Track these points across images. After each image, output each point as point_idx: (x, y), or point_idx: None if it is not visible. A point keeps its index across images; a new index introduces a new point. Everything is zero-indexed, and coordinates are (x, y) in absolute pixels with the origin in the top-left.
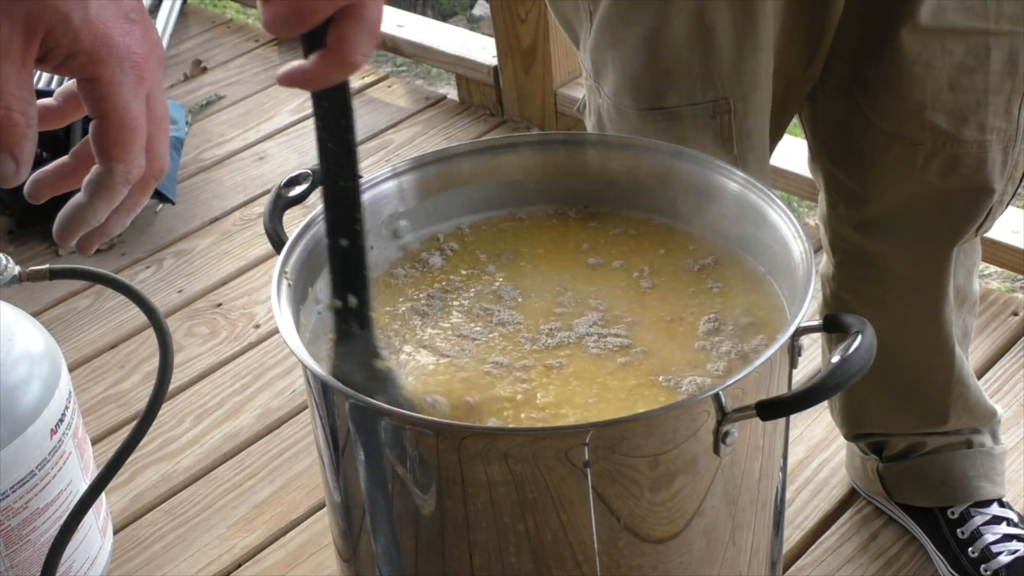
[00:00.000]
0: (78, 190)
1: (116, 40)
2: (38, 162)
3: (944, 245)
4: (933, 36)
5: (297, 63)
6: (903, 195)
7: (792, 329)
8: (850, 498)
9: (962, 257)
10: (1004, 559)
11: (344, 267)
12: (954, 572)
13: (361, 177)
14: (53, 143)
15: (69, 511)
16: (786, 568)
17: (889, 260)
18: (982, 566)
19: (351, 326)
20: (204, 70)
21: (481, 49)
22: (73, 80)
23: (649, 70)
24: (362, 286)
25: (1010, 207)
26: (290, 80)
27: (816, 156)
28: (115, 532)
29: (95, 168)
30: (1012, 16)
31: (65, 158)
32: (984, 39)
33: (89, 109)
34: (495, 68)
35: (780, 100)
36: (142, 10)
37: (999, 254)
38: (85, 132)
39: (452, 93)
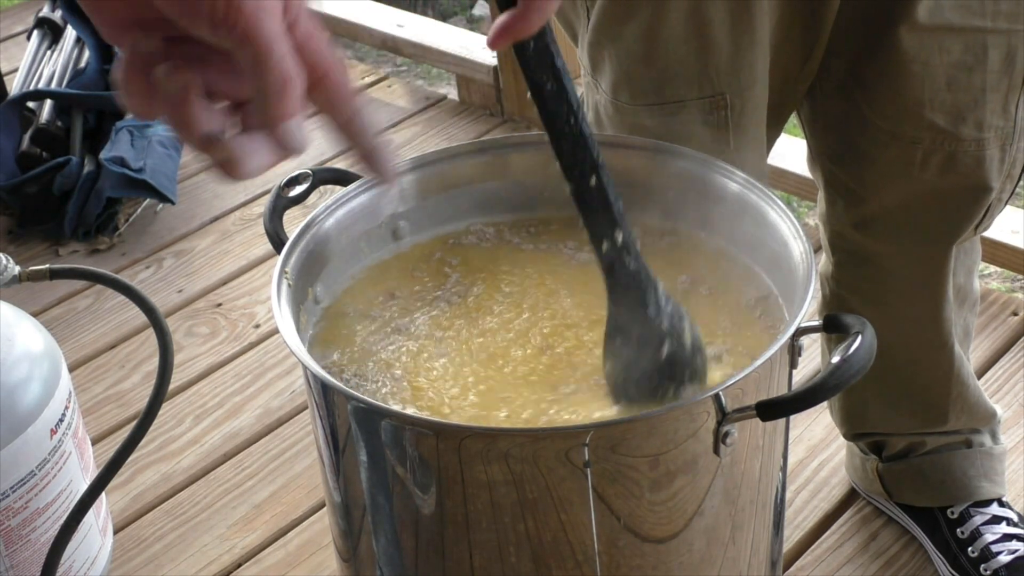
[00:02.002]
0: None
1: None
2: (37, 160)
3: (943, 243)
4: (931, 34)
5: (498, 22)
6: (902, 193)
7: (792, 329)
8: (850, 498)
9: (962, 256)
10: (1004, 559)
11: (596, 207)
12: (954, 572)
13: (581, 111)
14: (52, 143)
15: (69, 511)
16: (786, 568)
17: (888, 259)
18: (982, 566)
19: (626, 262)
20: None
21: (481, 49)
22: None
23: (646, 65)
24: (620, 220)
25: (1009, 207)
26: (500, 37)
27: (815, 155)
28: (115, 532)
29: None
30: (1009, 14)
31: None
32: (981, 37)
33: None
34: (495, 68)
35: (777, 97)
36: None
37: (999, 254)
38: (85, 131)
39: (452, 93)
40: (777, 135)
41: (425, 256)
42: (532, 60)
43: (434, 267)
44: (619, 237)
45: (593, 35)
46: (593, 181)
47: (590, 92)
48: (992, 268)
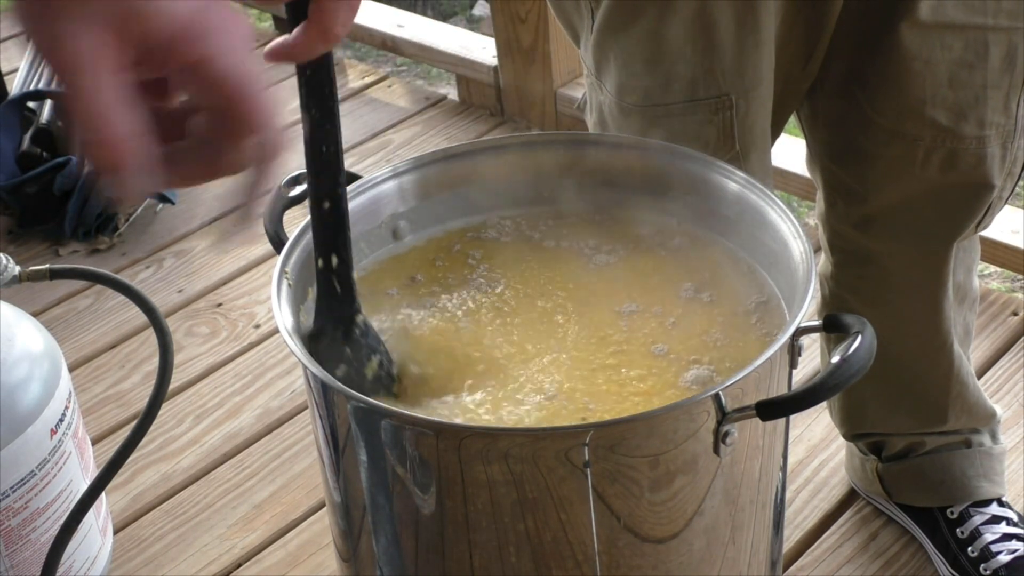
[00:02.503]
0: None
1: (210, 14)
2: (37, 160)
3: (944, 241)
4: (933, 32)
5: (281, 38)
6: (903, 192)
7: (792, 329)
8: (850, 498)
9: (961, 254)
10: (1004, 558)
11: (326, 228)
12: (954, 572)
13: (340, 144)
14: (52, 143)
15: (69, 511)
16: (786, 568)
17: (888, 258)
18: (982, 565)
19: (334, 285)
20: None
21: (481, 49)
22: None
23: (651, 67)
24: (344, 247)
25: (1009, 207)
26: (276, 55)
27: (814, 155)
28: (115, 532)
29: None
30: (1010, 11)
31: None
32: (982, 34)
33: (205, 98)
34: (495, 68)
35: (778, 97)
36: None
37: (999, 254)
38: None
39: (452, 93)
40: (777, 136)
41: (425, 256)
42: (307, 85)
43: (434, 267)
44: (334, 261)
45: (598, 36)
46: (327, 206)
47: (594, 93)
48: (992, 268)
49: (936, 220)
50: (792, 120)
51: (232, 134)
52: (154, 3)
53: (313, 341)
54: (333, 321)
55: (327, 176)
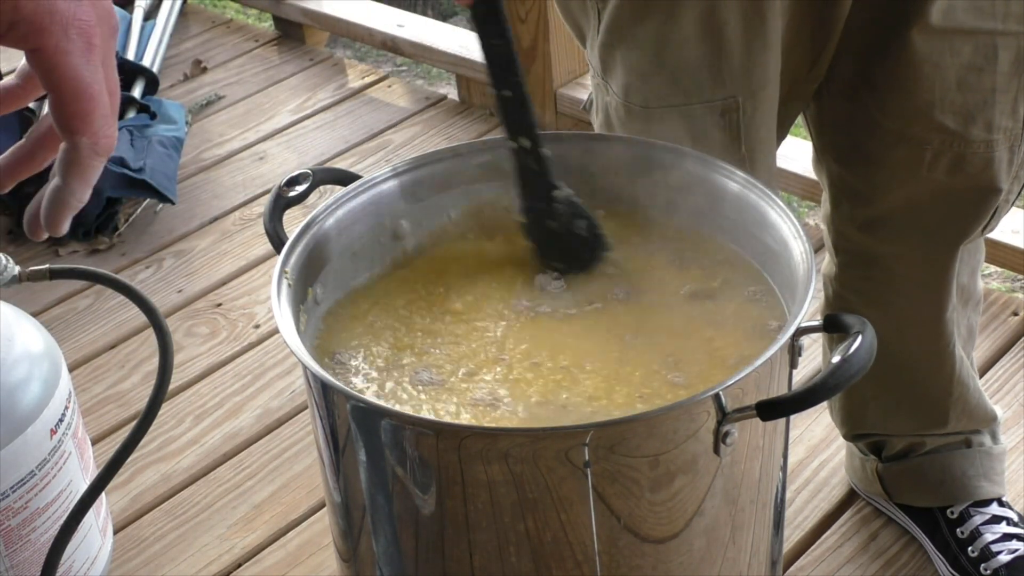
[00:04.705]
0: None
1: (59, 7)
2: None
3: (949, 244)
4: (943, 36)
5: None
6: (909, 194)
7: (792, 329)
8: (850, 498)
9: (966, 256)
10: (1004, 558)
11: (510, 114)
12: (954, 572)
13: (510, 37)
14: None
15: (69, 511)
16: (786, 568)
17: (893, 260)
18: (982, 565)
19: (529, 163)
20: (204, 70)
21: None
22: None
23: (658, 68)
24: (530, 129)
25: None
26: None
27: (821, 156)
28: (115, 532)
29: (62, 146)
30: (1020, 16)
31: (22, 141)
32: (992, 39)
33: (42, 83)
34: None
35: (784, 99)
36: None
37: (999, 254)
38: None
39: (452, 93)
40: (783, 138)
41: (425, 256)
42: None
43: (434, 266)
44: (524, 142)
45: (605, 37)
46: (507, 94)
47: (600, 94)
48: (992, 268)
49: (942, 223)
50: (795, 121)
51: (60, 129)
52: None
53: (522, 220)
54: (535, 198)
55: (500, 66)
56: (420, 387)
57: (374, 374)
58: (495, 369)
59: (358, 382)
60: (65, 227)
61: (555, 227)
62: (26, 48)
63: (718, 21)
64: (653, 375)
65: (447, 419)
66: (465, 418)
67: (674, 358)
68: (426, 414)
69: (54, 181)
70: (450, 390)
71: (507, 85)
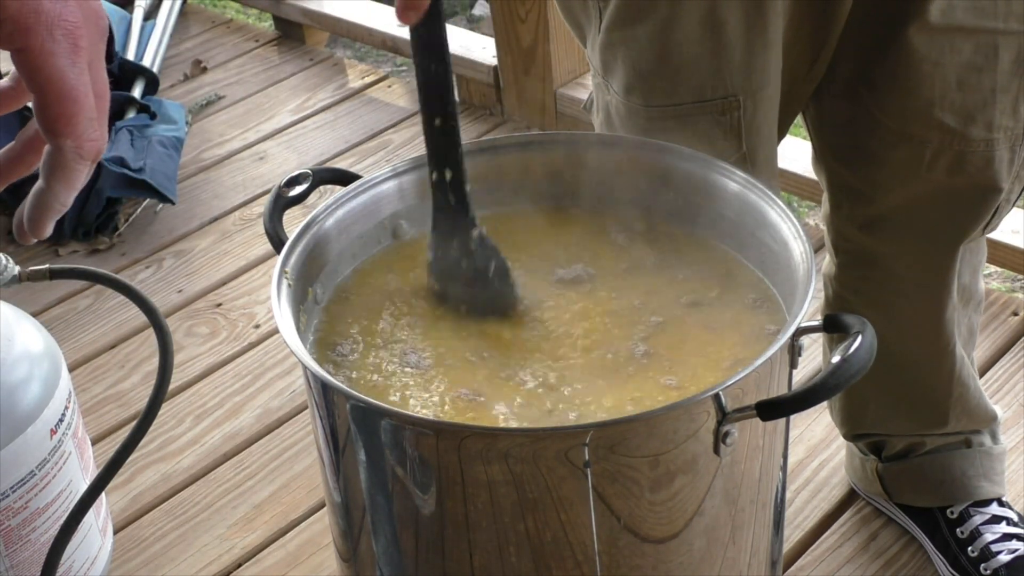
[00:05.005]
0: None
1: (45, 7)
2: None
3: (950, 244)
4: (942, 35)
5: None
6: (909, 194)
7: (792, 329)
8: (850, 498)
9: (967, 256)
10: (1004, 558)
11: (438, 144)
12: (954, 572)
13: (448, 64)
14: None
15: (69, 511)
16: (786, 568)
17: (894, 259)
18: (982, 565)
19: (448, 197)
20: (204, 70)
21: (481, 49)
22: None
23: (659, 67)
24: (456, 162)
25: None
26: None
27: (820, 156)
28: (115, 532)
29: (46, 148)
30: (1021, 15)
31: (11, 143)
32: (993, 38)
33: (27, 84)
34: (495, 68)
35: (784, 98)
36: None
37: (999, 254)
38: None
39: None
40: (782, 137)
41: (424, 256)
42: None
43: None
44: (447, 174)
45: (606, 36)
46: (438, 122)
47: (600, 93)
48: (992, 268)
49: (942, 223)
50: (794, 120)
51: (44, 131)
52: None
53: (431, 254)
54: (448, 234)
55: (436, 93)
56: (409, 368)
57: (369, 355)
58: (484, 368)
59: (354, 359)
60: (48, 230)
61: (465, 267)
62: (11, 48)
63: (719, 20)
64: (646, 379)
65: (444, 418)
66: (447, 411)
67: (668, 361)
68: (414, 404)
69: (38, 183)
70: (433, 378)
71: (439, 113)
